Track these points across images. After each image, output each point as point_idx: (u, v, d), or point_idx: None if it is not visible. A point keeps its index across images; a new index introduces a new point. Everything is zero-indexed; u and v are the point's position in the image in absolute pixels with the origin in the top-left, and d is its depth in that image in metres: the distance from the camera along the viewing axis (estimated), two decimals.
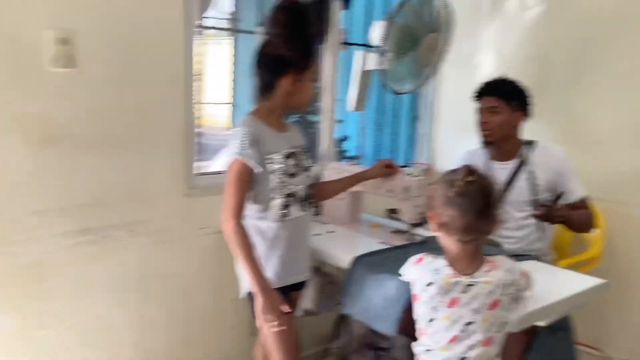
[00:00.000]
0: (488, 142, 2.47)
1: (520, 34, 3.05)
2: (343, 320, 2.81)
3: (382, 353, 2.69)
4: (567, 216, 2.30)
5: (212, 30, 2.73)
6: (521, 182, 2.40)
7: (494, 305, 1.49)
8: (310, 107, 2.17)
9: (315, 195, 2.09)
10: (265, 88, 1.90)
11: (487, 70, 3.13)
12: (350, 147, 3.51)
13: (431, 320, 1.54)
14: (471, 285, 1.49)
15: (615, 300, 2.63)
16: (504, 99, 2.41)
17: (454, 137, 3.32)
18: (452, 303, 1.50)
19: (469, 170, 1.51)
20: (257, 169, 1.82)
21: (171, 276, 2.36)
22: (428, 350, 1.56)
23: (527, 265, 1.95)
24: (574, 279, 1.91)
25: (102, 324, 2.19)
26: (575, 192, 2.35)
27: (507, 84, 2.46)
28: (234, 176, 1.81)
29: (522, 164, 2.42)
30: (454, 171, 1.54)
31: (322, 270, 2.30)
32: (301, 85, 1.89)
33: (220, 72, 3.28)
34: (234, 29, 2.77)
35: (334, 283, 2.21)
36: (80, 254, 2.09)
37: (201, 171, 2.46)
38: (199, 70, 2.47)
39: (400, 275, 1.65)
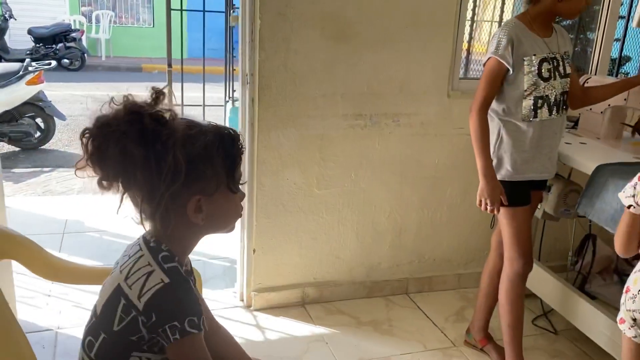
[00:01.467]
0: None
1: None
2: (589, 239, 2.82)
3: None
4: None
5: None
6: None
7: None
8: (578, 15, 2.15)
9: (581, 100, 2.16)
10: None
11: None
12: (631, 69, 3.31)
13: None
14: None
15: None
16: None
17: None
18: None
19: None
20: (510, 69, 1.97)
21: (426, 166, 2.69)
22: None
23: None
24: None
25: (365, 194, 2.65)
26: None
27: None
28: (487, 72, 2.00)
29: None
30: None
31: (567, 179, 2.36)
32: None
33: None
34: None
35: (577, 191, 2.26)
36: (353, 134, 2.54)
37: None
38: None
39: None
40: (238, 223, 1.17)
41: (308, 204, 2.57)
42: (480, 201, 2.06)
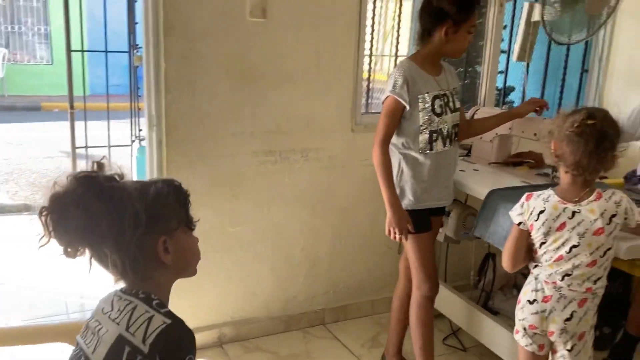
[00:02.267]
0: None
1: None
2: (489, 258, 3.03)
3: None
4: None
5: None
6: None
7: (598, 232, 1.65)
8: (461, 55, 2.36)
9: (468, 131, 2.34)
10: (425, 34, 2.17)
11: None
12: (515, 98, 3.61)
13: (543, 243, 1.74)
14: (577, 212, 1.66)
15: None
16: None
17: (625, 91, 3.24)
18: (561, 227, 1.69)
19: (591, 113, 1.65)
20: (407, 106, 2.11)
21: (335, 197, 2.80)
22: (537, 266, 1.77)
23: None
24: None
25: (279, 228, 2.70)
26: None
27: None
28: (386, 110, 2.14)
29: None
30: (579, 110, 1.69)
31: (464, 203, 2.54)
32: (456, 36, 2.11)
33: (393, 26, 3.56)
34: None
35: (474, 215, 2.44)
36: (264, 170, 2.60)
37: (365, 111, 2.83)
38: (371, 22, 2.81)
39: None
40: None
41: (222, 242, 2.59)
42: (389, 230, 2.17)
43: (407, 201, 2.19)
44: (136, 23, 3.82)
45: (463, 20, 2.07)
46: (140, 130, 4.16)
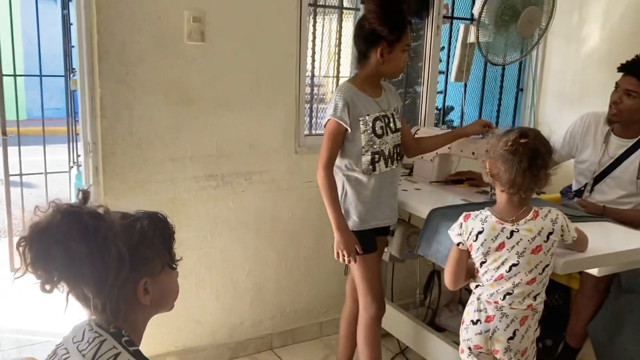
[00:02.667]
0: (613, 121, 2.47)
1: (626, 7, 3.02)
2: (434, 275, 3.07)
3: None
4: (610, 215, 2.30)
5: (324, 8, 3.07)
6: (631, 163, 2.44)
7: (536, 250, 1.69)
8: (399, 76, 2.41)
9: (417, 149, 2.41)
10: (362, 57, 2.19)
11: (593, 43, 3.15)
12: (455, 117, 3.70)
13: (483, 262, 1.77)
14: (515, 231, 1.70)
15: None
16: None
17: (558, 110, 3.38)
18: (500, 247, 1.72)
19: (524, 132, 1.70)
20: (348, 129, 2.12)
21: (280, 220, 2.77)
22: (478, 285, 1.80)
23: (597, 225, 2.10)
24: (636, 237, 2.02)
25: (223, 254, 2.65)
26: None
27: None
28: (328, 133, 2.14)
29: (638, 146, 2.43)
30: (511, 130, 1.74)
31: (407, 222, 2.56)
32: (392, 56, 2.14)
33: (332, 48, 3.60)
34: (341, 7, 3.08)
35: (417, 233, 2.46)
36: (206, 195, 2.55)
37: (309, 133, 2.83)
38: (311, 44, 2.83)
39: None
40: None
41: None
42: (338, 253, 2.16)
43: (352, 222, 2.19)
44: (72, 46, 3.72)
45: (396, 40, 2.11)
46: (78, 155, 4.03)
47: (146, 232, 1.09)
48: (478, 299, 1.81)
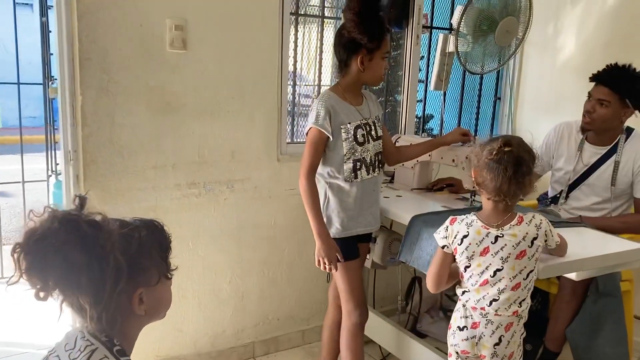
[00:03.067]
0: (586, 129, 2.52)
1: (599, 18, 3.10)
2: (415, 281, 3.09)
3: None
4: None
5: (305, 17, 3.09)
6: (604, 170, 2.50)
7: (520, 255, 1.72)
8: (380, 84, 2.44)
9: (398, 157, 2.43)
10: (342, 65, 2.22)
11: (568, 53, 3.22)
12: (434, 125, 3.74)
13: (467, 267, 1.79)
14: (499, 236, 1.73)
15: None
16: (618, 94, 2.40)
17: (535, 118, 3.44)
18: (484, 252, 1.75)
19: (507, 141, 1.74)
20: (330, 137, 2.14)
21: (262, 228, 2.77)
22: (465, 292, 1.82)
23: (575, 230, 2.14)
24: (612, 242, 2.06)
25: (204, 262, 2.64)
26: None
27: (627, 79, 2.41)
28: (310, 141, 2.15)
29: (611, 153, 2.50)
30: (495, 139, 1.77)
31: (389, 229, 2.59)
32: (372, 64, 2.17)
33: (312, 56, 3.63)
34: (322, 16, 3.10)
35: (399, 240, 2.48)
36: (188, 203, 2.55)
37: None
38: (293, 52, 2.85)
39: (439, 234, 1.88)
40: None
41: None
42: (319, 260, 2.17)
43: (335, 230, 2.20)
44: (51, 54, 3.69)
45: (376, 47, 2.13)
46: (57, 164, 3.99)
47: (144, 242, 1.09)
48: (464, 305, 1.83)
